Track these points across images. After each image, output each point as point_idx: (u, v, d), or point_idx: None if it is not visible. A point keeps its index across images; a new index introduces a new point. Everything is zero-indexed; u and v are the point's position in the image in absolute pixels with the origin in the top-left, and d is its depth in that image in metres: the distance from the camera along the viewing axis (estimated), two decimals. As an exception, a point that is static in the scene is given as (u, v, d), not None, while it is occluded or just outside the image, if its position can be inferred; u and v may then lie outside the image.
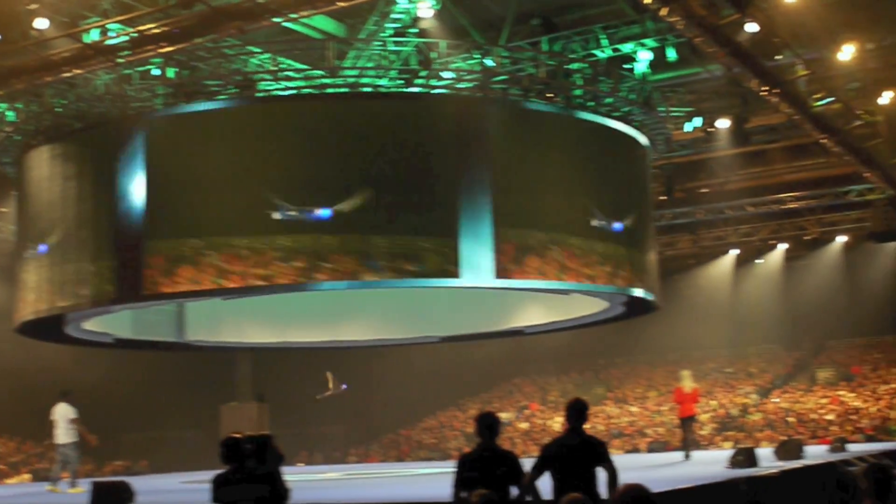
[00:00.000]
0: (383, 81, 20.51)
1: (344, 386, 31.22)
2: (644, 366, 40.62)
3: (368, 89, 20.35)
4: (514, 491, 8.89)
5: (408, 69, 20.05)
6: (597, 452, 8.95)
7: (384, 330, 26.44)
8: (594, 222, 21.17)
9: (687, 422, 21.96)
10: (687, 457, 21.18)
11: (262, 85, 20.48)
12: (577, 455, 8.85)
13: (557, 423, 35.93)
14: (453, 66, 20.49)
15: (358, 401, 36.23)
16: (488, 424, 9.12)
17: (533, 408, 38.82)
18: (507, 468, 8.91)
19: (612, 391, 38.73)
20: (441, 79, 20.44)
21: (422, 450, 35.98)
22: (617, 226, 21.70)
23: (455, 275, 19.50)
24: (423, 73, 20.02)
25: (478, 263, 19.60)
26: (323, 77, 20.09)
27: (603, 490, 8.70)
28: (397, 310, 25.43)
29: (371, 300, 24.91)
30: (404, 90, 20.31)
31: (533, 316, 25.37)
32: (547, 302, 24.27)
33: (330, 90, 20.11)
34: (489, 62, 20.86)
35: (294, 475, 23.90)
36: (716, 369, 38.87)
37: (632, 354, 40.65)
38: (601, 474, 8.71)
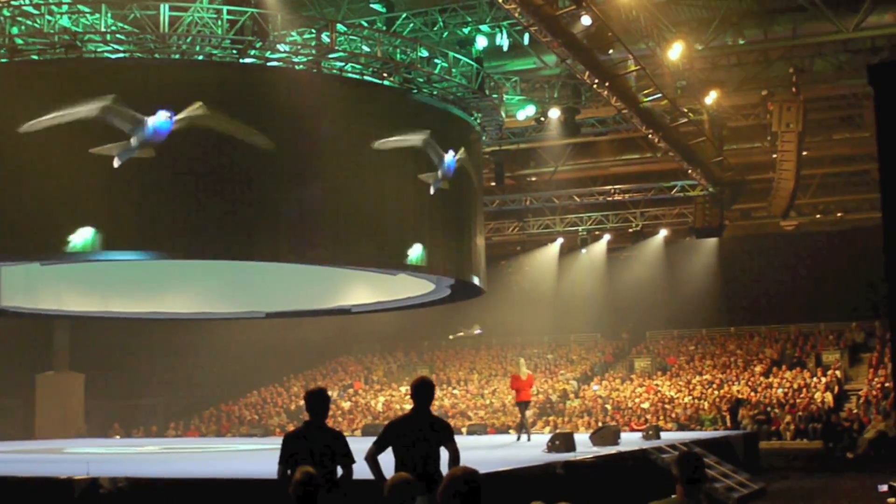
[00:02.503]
0: (217, 52, 20.05)
1: (479, 331, 30.72)
2: (468, 349, 40.99)
3: (200, 58, 19.86)
4: (339, 471, 8.78)
5: (242, 39, 19.64)
6: (441, 433, 8.92)
7: (209, 303, 25.99)
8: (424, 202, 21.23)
9: (523, 406, 22.46)
10: (528, 439, 21.84)
11: (91, 46, 19.75)
12: (420, 434, 8.81)
13: (381, 402, 35.99)
14: (289, 39, 20.17)
15: (179, 374, 35.58)
16: (317, 401, 9.00)
17: (357, 387, 38.76)
18: (335, 446, 8.80)
19: (435, 373, 38.92)
20: (276, 51, 20.11)
21: (243, 426, 35.52)
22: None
23: (284, 250, 19.24)
24: (257, 45, 19.64)
25: (306, 238, 19.39)
26: (153, 42, 19.53)
27: (445, 471, 8.69)
28: (223, 283, 25.02)
29: (197, 272, 24.41)
30: (238, 61, 19.91)
31: (360, 295, 25.34)
32: (374, 282, 24.25)
33: (159, 56, 19.62)
34: (325, 38, 20.61)
35: (110, 448, 23.37)
36: (537, 355, 39.51)
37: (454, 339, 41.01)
38: (445, 455, 8.70)
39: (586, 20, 18.69)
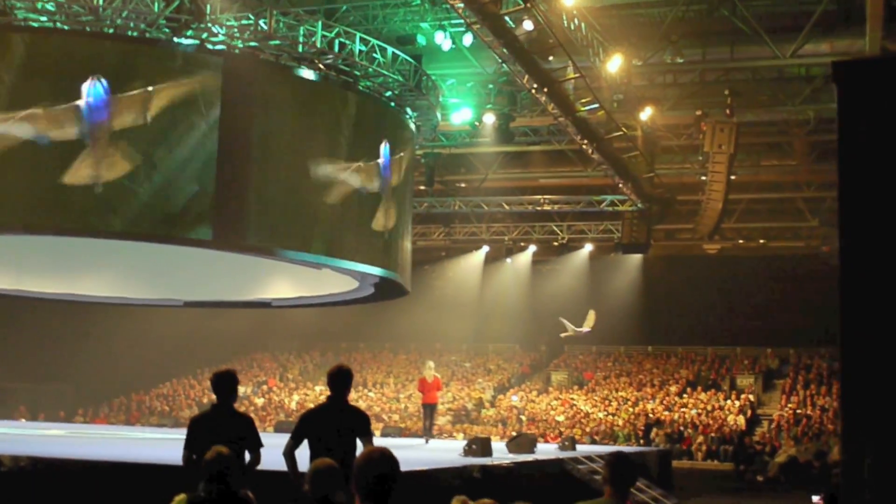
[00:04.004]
0: (152, 31, 19.57)
1: (586, 330, 30.22)
2: (386, 352, 40.73)
3: (134, 34, 19.37)
4: (247, 456, 8.46)
5: (177, 18, 19.15)
6: (358, 424, 8.61)
7: (127, 287, 25.30)
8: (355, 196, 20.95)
9: (429, 409, 22.38)
10: (427, 441, 21.72)
11: (20, 14, 19.15)
12: (337, 425, 8.48)
13: (295, 401, 35.56)
14: (226, 22, 19.73)
15: (90, 360, 34.71)
16: (225, 384, 8.69)
17: (271, 384, 38.30)
18: (243, 431, 8.48)
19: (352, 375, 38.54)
20: (212, 34, 19.68)
21: (153, 416, 34.87)
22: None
23: (207, 235, 18.79)
24: (194, 26, 19.19)
25: (232, 224, 18.94)
26: (85, 15, 19.00)
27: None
28: (143, 268, 24.37)
29: (116, 255, 23.70)
30: (172, 39, 19.44)
31: (281, 289, 24.91)
32: (297, 275, 23.84)
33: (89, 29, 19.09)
34: (263, 24, 20.21)
35: (13, 429, 22.71)
36: (455, 363, 39.36)
37: (375, 340, 40.67)
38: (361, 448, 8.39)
39: (528, 24, 18.59)
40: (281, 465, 8.60)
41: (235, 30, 19.81)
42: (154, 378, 38.42)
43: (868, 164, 4.25)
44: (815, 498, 15.02)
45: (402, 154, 22.80)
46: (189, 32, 19.34)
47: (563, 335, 32.66)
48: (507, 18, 17.96)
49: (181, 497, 7.08)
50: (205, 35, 19.47)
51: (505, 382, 38.24)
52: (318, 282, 23.74)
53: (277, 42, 20.06)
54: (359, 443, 8.44)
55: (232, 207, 18.98)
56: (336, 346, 41.53)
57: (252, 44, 19.92)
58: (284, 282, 24.58)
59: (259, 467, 8.58)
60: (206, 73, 19.29)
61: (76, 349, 34.22)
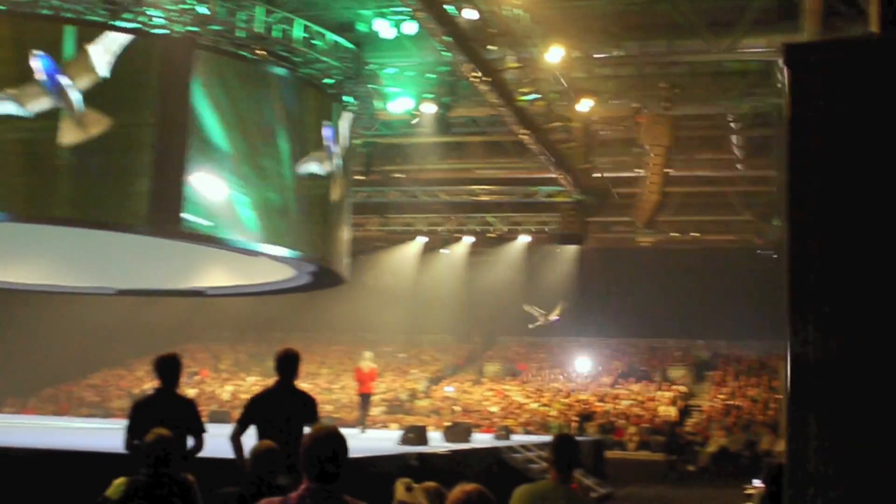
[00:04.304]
0: (87, 12, 19.21)
1: (554, 318, 30.03)
2: (320, 343, 40.49)
3: (71, 15, 19.01)
4: (190, 441, 8.34)
5: (114, 2, 18.81)
6: (307, 409, 8.52)
7: (56, 275, 24.80)
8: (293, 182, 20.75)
9: (364, 399, 22.38)
10: (362, 431, 21.70)
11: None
12: (285, 409, 8.39)
13: (228, 392, 35.25)
14: (165, 5, 19.42)
15: (18, 349, 34.11)
16: (169, 367, 8.57)
17: (203, 374, 37.93)
18: (186, 415, 8.36)
19: (284, 365, 38.34)
20: (149, 17, 19.36)
21: (83, 407, 34.36)
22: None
23: (145, 221, 18.50)
24: (133, 9, 18.87)
25: (168, 210, 18.67)
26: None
27: None
28: (72, 254, 23.88)
29: (45, 242, 23.24)
30: (109, 23, 19.11)
31: (216, 277, 24.62)
32: (232, 263, 23.56)
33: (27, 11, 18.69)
34: (202, 9, 19.94)
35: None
36: (390, 353, 39.27)
37: (308, 331, 40.37)
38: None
39: (471, 13, 18.57)
40: (220, 452, 8.50)
41: (174, 13, 19.50)
42: (84, 368, 37.85)
43: (818, 148, 4.20)
44: (756, 481, 15.16)
45: (342, 139, 22.66)
46: (127, 16, 19.01)
47: (531, 326, 32.80)
48: (449, 6, 17.88)
49: (120, 480, 6.96)
50: (142, 19, 19.15)
51: (439, 373, 38.26)
52: (253, 270, 23.50)
53: (217, 27, 19.81)
54: (307, 429, 8.35)
55: (169, 193, 18.68)
56: (269, 336, 41.14)
57: (191, 28, 19.62)
58: (219, 270, 24.29)
59: (199, 454, 8.47)
60: (145, 57, 19.00)
61: (1, 339, 33.61)
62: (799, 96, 4.27)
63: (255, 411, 8.53)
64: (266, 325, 39.28)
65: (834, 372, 3.88)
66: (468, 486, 5.63)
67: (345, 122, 22.75)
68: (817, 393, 3.89)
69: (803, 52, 4.37)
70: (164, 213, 18.61)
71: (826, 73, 4.21)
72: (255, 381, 35.91)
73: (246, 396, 33.65)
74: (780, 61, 4.38)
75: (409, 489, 7.14)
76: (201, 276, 24.64)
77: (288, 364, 8.67)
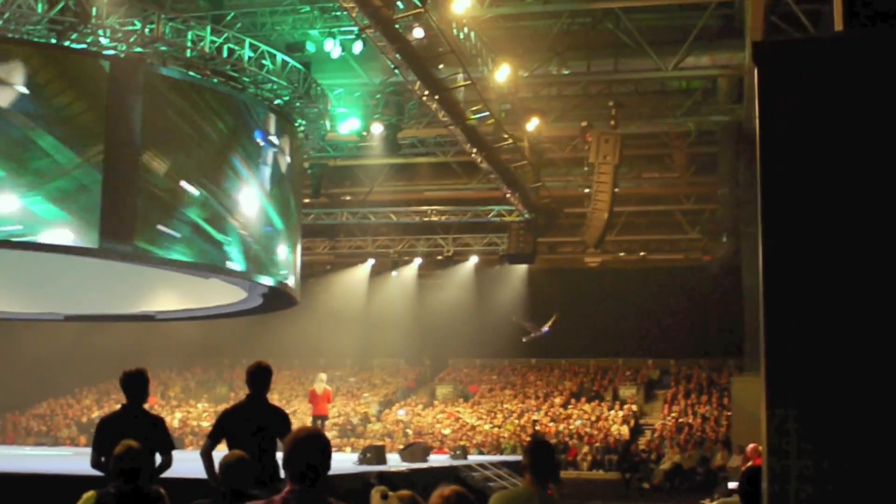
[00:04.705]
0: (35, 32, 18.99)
1: (545, 330, 29.66)
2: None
3: (15, 36, 18.78)
4: (158, 458, 8.18)
5: (62, 21, 18.61)
6: (279, 422, 8.40)
7: (2, 301, 24.35)
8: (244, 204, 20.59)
9: (318, 420, 22.14)
10: None
11: None
12: (256, 423, 8.26)
13: (177, 419, 34.82)
14: (113, 26, 19.24)
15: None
16: (135, 384, 8.40)
17: (152, 401, 37.40)
18: (153, 433, 8.20)
19: (234, 391, 38.00)
20: (97, 37, 19.18)
21: (31, 436, 33.76)
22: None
23: (93, 242, 18.21)
24: (80, 28, 18.67)
25: (118, 232, 18.40)
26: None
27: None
28: (18, 280, 23.45)
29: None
30: (54, 43, 18.90)
31: (166, 301, 24.31)
32: (182, 287, 23.31)
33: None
34: (149, 28, 19.77)
35: None
36: (340, 378, 39.03)
37: (258, 356, 39.53)
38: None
39: (419, 32, 18.60)
40: (185, 472, 8.36)
41: (121, 34, 19.32)
42: (29, 398, 37.16)
43: (787, 142, 4.23)
44: (732, 484, 15.20)
45: (292, 163, 22.56)
46: (74, 35, 18.81)
47: (525, 339, 32.78)
48: (399, 24, 17.90)
49: (90, 494, 6.80)
50: (90, 39, 18.95)
51: (391, 396, 38.11)
52: (204, 293, 23.26)
53: (165, 47, 19.66)
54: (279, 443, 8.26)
55: (118, 215, 18.43)
56: (219, 362, 40.84)
57: (138, 49, 19.45)
58: (169, 293, 23.99)
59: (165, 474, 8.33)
60: (92, 78, 18.79)
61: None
62: (768, 93, 4.30)
63: (226, 425, 8.40)
64: (215, 350, 38.87)
65: (811, 368, 3.89)
66: (446, 490, 5.57)
67: (294, 141, 22.65)
68: (795, 389, 3.90)
69: (772, 51, 4.40)
70: (116, 234, 18.35)
71: (794, 70, 4.24)
72: (206, 408, 35.56)
73: (195, 423, 33.35)
74: (749, 60, 4.41)
75: (384, 497, 7.05)
76: (151, 299, 24.32)
77: (259, 378, 8.56)
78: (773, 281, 4.05)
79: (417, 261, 37.23)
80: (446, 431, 33.35)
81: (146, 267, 20.48)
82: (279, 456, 8.33)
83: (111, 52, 19.12)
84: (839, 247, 3.96)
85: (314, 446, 4.83)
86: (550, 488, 6.72)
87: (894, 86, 4.03)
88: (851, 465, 3.77)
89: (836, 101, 4.06)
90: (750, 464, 17.82)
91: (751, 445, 18.79)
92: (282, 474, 8.26)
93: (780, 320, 3.97)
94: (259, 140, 21.29)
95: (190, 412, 35.93)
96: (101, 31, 18.86)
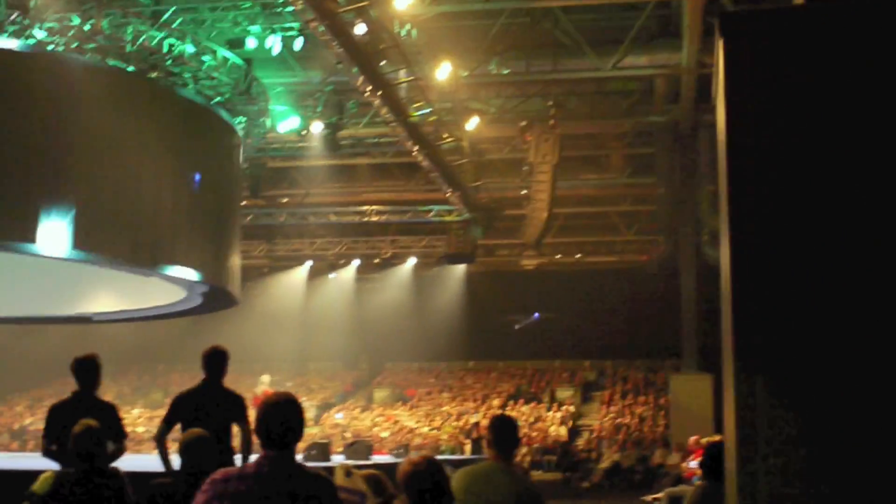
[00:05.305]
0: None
1: (536, 315, 29.34)
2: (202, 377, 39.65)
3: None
4: (111, 445, 8.04)
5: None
6: (234, 408, 8.30)
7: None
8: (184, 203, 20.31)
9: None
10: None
11: None
12: (211, 408, 8.15)
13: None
14: (51, 19, 18.85)
15: None
16: (87, 370, 8.26)
17: (84, 409, 36.89)
18: (106, 419, 8.06)
19: (169, 397, 37.48)
20: (32, 34, 18.78)
21: (-42, 446, 33.09)
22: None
23: (32, 241, 17.82)
24: (19, 20, 18.26)
25: (56, 231, 18.04)
26: None
27: (238, 451, 8.10)
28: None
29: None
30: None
31: (103, 302, 23.87)
32: (119, 288, 22.92)
33: None
34: (87, 25, 19.40)
35: None
36: (278, 382, 38.63)
37: (193, 361, 39.15)
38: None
39: (362, 28, 18.55)
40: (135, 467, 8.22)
41: (58, 28, 18.94)
42: (-44, 405, 36.46)
43: (752, 111, 4.26)
44: (693, 464, 15.32)
45: (230, 161, 22.34)
46: (11, 28, 18.41)
47: (517, 326, 32.83)
48: (343, 18, 17.83)
49: (48, 474, 6.68)
50: (26, 33, 18.57)
51: (328, 400, 37.91)
52: (142, 293, 22.89)
53: (104, 42, 19.30)
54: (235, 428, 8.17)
55: (52, 212, 18.05)
56: (153, 367, 40.36)
57: (76, 43, 19.09)
58: (106, 294, 23.55)
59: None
60: (28, 72, 18.43)
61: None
62: (733, 63, 4.33)
63: (181, 410, 8.28)
64: (149, 356, 38.42)
65: (778, 337, 3.92)
66: (416, 458, 5.54)
67: (232, 139, 22.45)
68: (763, 357, 3.93)
69: (737, 22, 4.44)
70: (48, 234, 17.98)
71: (759, 41, 4.27)
72: (141, 413, 35.12)
73: (130, 430, 32.86)
74: (716, 28, 4.43)
75: (348, 474, 7.01)
76: (88, 300, 23.86)
77: (215, 362, 8.46)
78: (739, 253, 4.08)
79: (356, 263, 37.07)
80: (385, 434, 33.24)
81: (83, 266, 20.08)
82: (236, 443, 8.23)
83: (50, 47, 18.71)
84: (803, 213, 3.99)
85: (289, 409, 4.79)
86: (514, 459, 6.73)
87: (859, 54, 4.08)
88: (820, 430, 3.81)
89: (797, 68, 4.10)
90: (692, 457, 18.03)
91: (692, 438, 19.00)
92: (237, 461, 8.18)
93: (747, 288, 3.99)
94: (200, 137, 21.05)
95: (125, 418, 35.20)
96: (37, 26, 18.44)
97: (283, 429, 4.72)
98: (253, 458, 5.01)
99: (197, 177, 20.52)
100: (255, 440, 10.14)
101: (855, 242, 3.95)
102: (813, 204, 4.06)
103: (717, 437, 8.32)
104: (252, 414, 18.79)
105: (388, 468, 17.43)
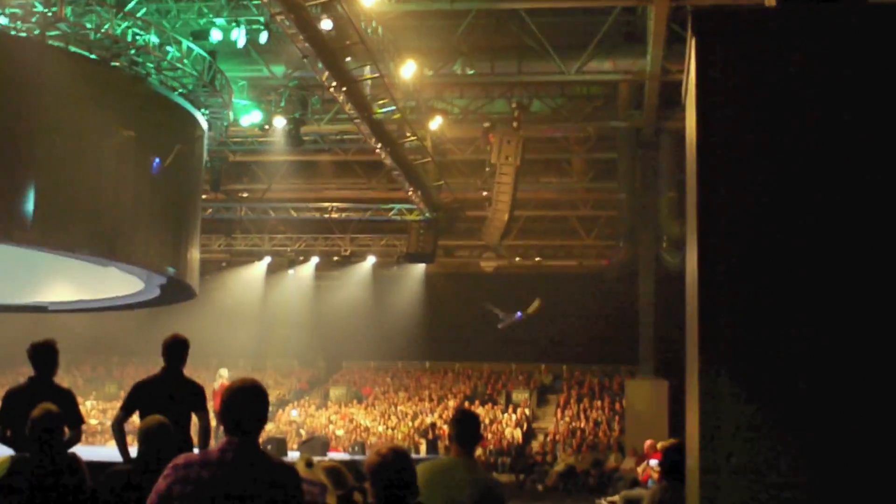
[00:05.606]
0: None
1: (519, 315, 28.88)
2: (160, 367, 39.34)
3: None
4: (67, 431, 7.95)
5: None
6: (194, 397, 8.22)
7: None
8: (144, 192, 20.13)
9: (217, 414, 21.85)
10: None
11: None
12: (170, 396, 8.06)
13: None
14: (10, 8, 18.64)
15: None
16: (44, 355, 8.16)
17: (37, 400, 36.52)
18: (62, 405, 7.94)
19: (124, 389, 37.23)
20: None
21: None
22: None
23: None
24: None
25: (12, 217, 17.83)
26: None
27: (196, 440, 8.03)
28: None
29: None
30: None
31: (59, 292, 23.62)
32: (75, 278, 22.69)
33: None
34: (51, 11, 19.19)
35: None
36: (232, 378, 38.50)
37: (148, 355, 38.99)
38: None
39: (328, 23, 18.51)
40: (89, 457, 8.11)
41: (21, 14, 18.73)
42: None
43: (723, 105, 4.29)
44: (654, 462, 15.32)
45: (192, 152, 22.17)
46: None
47: (500, 325, 32.69)
48: (309, 12, 17.78)
49: (4, 458, 6.58)
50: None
51: (283, 397, 37.74)
52: (100, 283, 22.68)
53: (67, 29, 19.11)
54: (194, 417, 8.10)
55: (9, 198, 17.82)
56: (108, 360, 40.00)
57: (38, 31, 18.89)
58: (63, 284, 23.31)
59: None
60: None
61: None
62: (705, 62, 4.35)
63: (139, 398, 8.19)
64: (104, 348, 38.02)
65: (743, 336, 3.95)
66: (383, 449, 5.50)
67: (194, 132, 22.29)
68: (729, 356, 3.95)
69: (709, 20, 4.46)
70: (8, 220, 17.79)
71: (731, 40, 4.30)
72: (94, 405, 34.80)
73: (84, 422, 32.59)
74: (689, 28, 4.44)
75: (309, 465, 6.98)
76: (44, 289, 23.60)
77: (175, 350, 8.36)
78: (706, 241, 4.10)
79: (315, 260, 36.92)
80: (340, 433, 33.17)
81: (39, 253, 19.86)
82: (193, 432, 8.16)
83: (12, 32, 18.49)
84: (770, 205, 4.02)
85: (255, 395, 4.72)
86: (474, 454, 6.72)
87: (831, 55, 4.11)
88: (783, 431, 3.84)
89: (767, 67, 4.13)
90: (646, 461, 18.08)
91: (648, 442, 19.04)
92: (195, 449, 8.11)
93: (713, 269, 4.02)
94: (162, 127, 20.86)
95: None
96: (0, 11, 18.24)
97: (248, 414, 4.65)
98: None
99: (156, 161, 20.28)
100: (213, 431, 10.10)
101: (824, 242, 3.98)
102: (782, 203, 4.09)
103: (673, 441, 8.35)
104: (211, 405, 18.52)
105: (351, 465, 17.42)
